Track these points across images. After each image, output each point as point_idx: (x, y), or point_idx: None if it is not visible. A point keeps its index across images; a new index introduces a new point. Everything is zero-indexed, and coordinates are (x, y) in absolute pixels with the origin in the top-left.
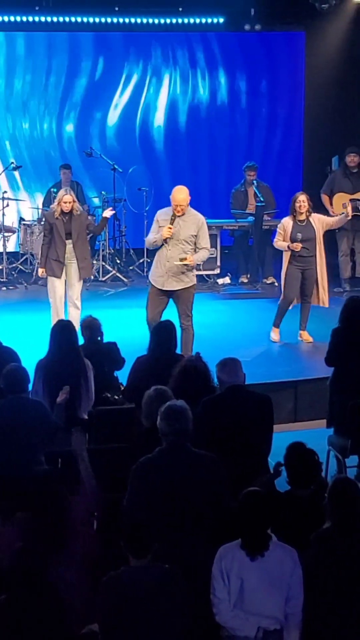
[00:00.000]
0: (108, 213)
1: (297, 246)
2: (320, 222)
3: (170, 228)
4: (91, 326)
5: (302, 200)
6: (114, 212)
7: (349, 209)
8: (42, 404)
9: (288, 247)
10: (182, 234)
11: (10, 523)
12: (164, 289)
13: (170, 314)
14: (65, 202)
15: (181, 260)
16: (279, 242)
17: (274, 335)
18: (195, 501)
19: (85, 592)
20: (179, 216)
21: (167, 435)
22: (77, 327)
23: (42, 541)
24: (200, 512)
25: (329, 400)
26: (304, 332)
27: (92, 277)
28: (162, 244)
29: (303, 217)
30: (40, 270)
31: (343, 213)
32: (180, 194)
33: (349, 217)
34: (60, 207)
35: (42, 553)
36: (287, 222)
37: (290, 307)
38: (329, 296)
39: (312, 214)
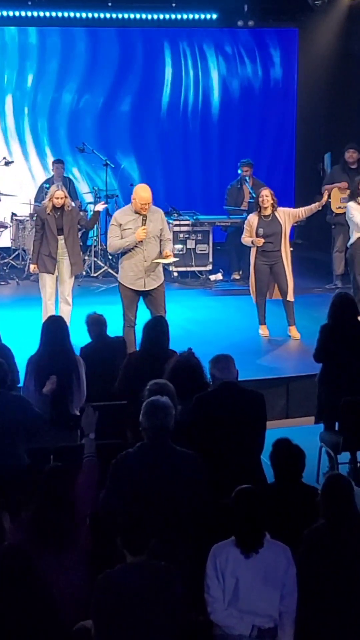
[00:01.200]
0: (100, 207)
1: (260, 241)
2: (286, 215)
3: (144, 229)
4: (98, 322)
5: (264, 195)
6: (106, 205)
7: (325, 196)
8: (22, 399)
9: (252, 242)
10: (153, 231)
11: (16, 521)
12: (144, 289)
13: (170, 309)
14: (57, 198)
15: (165, 257)
16: (245, 238)
17: (262, 331)
18: (173, 498)
19: (80, 589)
20: (144, 215)
21: (148, 430)
22: (68, 323)
23: (45, 539)
24: (177, 509)
25: (317, 396)
26: (293, 327)
27: (84, 273)
28: (134, 247)
29: (268, 212)
30: (32, 267)
31: (340, 207)
32: (147, 192)
33: (320, 207)
34: (52, 202)
35: (37, 550)
36: (252, 218)
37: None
38: (294, 291)
39: (278, 209)
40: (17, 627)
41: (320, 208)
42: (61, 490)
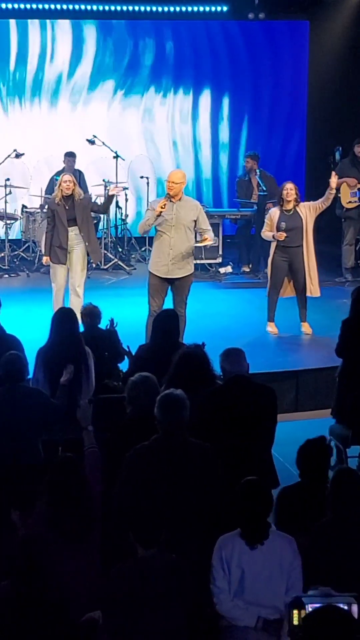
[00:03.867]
0: (114, 190)
1: (281, 235)
2: (307, 209)
3: (165, 203)
4: (92, 314)
5: (289, 188)
6: (120, 189)
7: (333, 179)
8: (40, 392)
9: (273, 236)
10: (184, 220)
11: (29, 514)
12: (167, 277)
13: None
14: (65, 182)
15: (201, 241)
16: (266, 232)
17: (271, 328)
18: (188, 491)
19: (91, 581)
20: (171, 197)
21: (163, 424)
22: (78, 315)
23: (58, 530)
24: (192, 502)
25: (337, 391)
26: (305, 323)
27: (94, 266)
28: (162, 234)
29: (290, 206)
30: (44, 259)
31: (350, 201)
32: (176, 173)
33: (333, 191)
34: (61, 189)
35: (54, 542)
36: (274, 212)
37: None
38: (319, 286)
39: (300, 203)
40: (28, 615)
41: (333, 193)
42: (73, 481)
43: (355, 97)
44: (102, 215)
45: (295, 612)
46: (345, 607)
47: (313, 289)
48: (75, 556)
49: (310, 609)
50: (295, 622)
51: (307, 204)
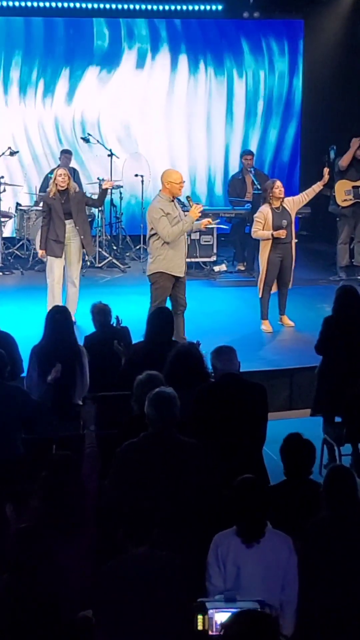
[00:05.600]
0: (108, 184)
1: (283, 233)
2: (291, 203)
3: (199, 206)
4: (103, 312)
5: (280, 185)
6: (113, 183)
7: (326, 174)
8: (19, 389)
9: (273, 234)
10: (182, 213)
11: (23, 510)
12: (182, 275)
13: (169, 302)
14: (59, 175)
15: (209, 223)
16: (259, 232)
17: (265, 327)
18: (178, 488)
19: (85, 579)
20: (177, 197)
21: (154, 421)
22: (75, 306)
23: (53, 526)
24: (182, 500)
25: (316, 389)
26: (284, 316)
27: (89, 264)
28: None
29: (278, 203)
30: (40, 252)
31: (346, 199)
32: (178, 172)
33: (321, 186)
34: (56, 183)
35: (49, 537)
36: (266, 210)
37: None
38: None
39: (284, 199)
40: (24, 610)
41: (322, 187)
42: (68, 478)
43: (349, 95)
44: (97, 213)
45: (200, 617)
46: None
47: (290, 282)
48: (68, 553)
49: (211, 614)
50: (200, 627)
51: (291, 199)
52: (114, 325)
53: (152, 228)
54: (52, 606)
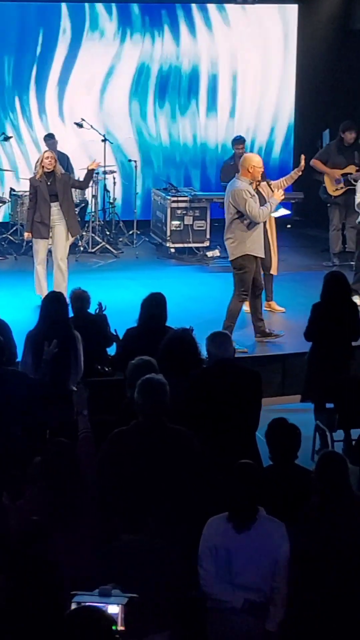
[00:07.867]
0: (93, 165)
1: None
2: (267, 189)
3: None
4: (81, 298)
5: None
6: (99, 164)
7: (302, 161)
8: (18, 372)
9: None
10: None
11: (21, 499)
12: (263, 256)
13: (167, 285)
14: (46, 158)
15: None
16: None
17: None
18: (168, 476)
19: (85, 568)
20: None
21: (143, 408)
22: (65, 292)
23: (53, 516)
24: (172, 487)
25: (305, 374)
26: (272, 302)
27: (82, 249)
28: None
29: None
30: (26, 234)
31: (337, 189)
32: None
33: (299, 173)
34: (43, 165)
35: (48, 528)
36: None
37: None
38: (278, 265)
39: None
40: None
41: (300, 173)
42: (67, 465)
43: (343, 80)
44: (90, 199)
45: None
46: (106, 608)
47: (275, 267)
48: (68, 542)
49: (74, 606)
50: None
51: (266, 184)
52: (95, 312)
53: (237, 211)
54: (53, 596)
